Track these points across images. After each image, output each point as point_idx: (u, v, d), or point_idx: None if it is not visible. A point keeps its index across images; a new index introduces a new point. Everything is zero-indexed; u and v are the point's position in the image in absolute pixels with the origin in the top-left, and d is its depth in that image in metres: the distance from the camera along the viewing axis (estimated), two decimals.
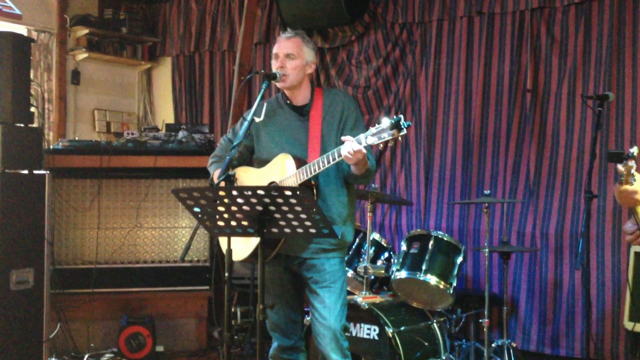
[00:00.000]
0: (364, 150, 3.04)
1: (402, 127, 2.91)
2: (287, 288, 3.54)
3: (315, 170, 3.20)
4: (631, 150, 2.42)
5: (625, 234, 2.92)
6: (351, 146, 3.03)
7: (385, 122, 2.95)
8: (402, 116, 2.92)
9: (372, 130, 3.00)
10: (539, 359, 4.96)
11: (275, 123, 3.51)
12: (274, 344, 3.60)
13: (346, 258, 4.73)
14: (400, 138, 2.95)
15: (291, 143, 3.43)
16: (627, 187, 2.47)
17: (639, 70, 4.68)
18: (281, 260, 3.44)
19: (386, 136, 2.95)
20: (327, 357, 3.39)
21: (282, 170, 3.34)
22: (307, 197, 2.75)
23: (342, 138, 3.09)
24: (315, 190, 3.31)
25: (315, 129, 3.42)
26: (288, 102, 3.54)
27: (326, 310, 3.38)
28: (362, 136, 3.03)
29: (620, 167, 2.44)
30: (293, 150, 3.36)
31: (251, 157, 3.64)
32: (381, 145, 3.02)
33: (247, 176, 3.51)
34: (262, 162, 3.52)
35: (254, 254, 3.38)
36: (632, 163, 2.42)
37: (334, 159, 3.13)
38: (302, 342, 3.63)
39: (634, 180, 2.45)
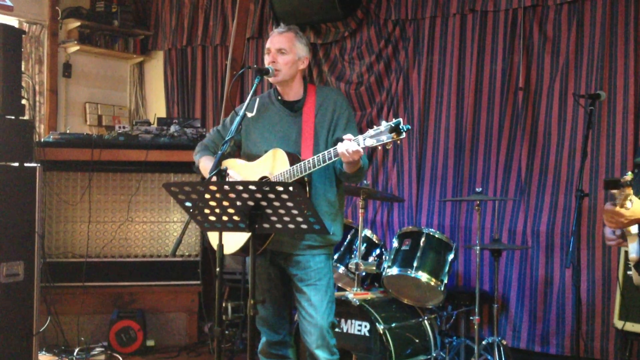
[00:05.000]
0: (362, 152, 3.05)
1: (402, 130, 2.91)
2: (275, 283, 3.54)
3: (310, 168, 3.19)
4: (626, 177, 2.45)
5: (607, 240, 2.94)
6: (350, 145, 3.03)
7: (384, 124, 2.95)
8: (401, 119, 2.92)
9: (371, 132, 3.00)
10: (528, 357, 4.98)
11: (265, 119, 3.51)
12: (263, 339, 3.62)
13: (337, 254, 4.75)
14: (398, 142, 2.96)
15: (281, 139, 3.43)
16: (620, 210, 2.52)
17: (630, 70, 4.69)
18: (267, 255, 3.45)
19: (384, 139, 2.95)
20: (314, 355, 3.40)
21: (274, 166, 3.34)
22: (299, 193, 2.74)
23: (344, 137, 3.08)
24: (308, 187, 3.31)
25: (308, 125, 3.41)
26: (279, 97, 3.54)
27: (312, 308, 3.38)
28: (360, 138, 3.03)
29: (616, 192, 2.47)
30: (283, 146, 3.35)
31: (238, 151, 3.63)
32: (379, 148, 3.01)
33: (238, 170, 3.50)
34: (250, 157, 3.52)
35: (243, 249, 3.38)
36: (629, 190, 2.47)
37: (329, 159, 3.13)
38: (290, 337, 3.65)
39: (631, 204, 2.49)
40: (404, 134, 2.91)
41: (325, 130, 3.41)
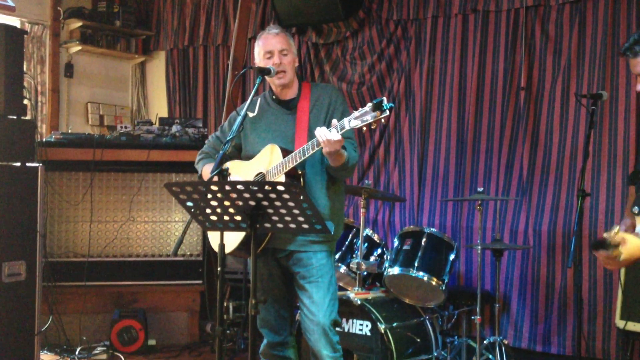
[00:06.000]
0: (336, 138, 3.05)
1: (384, 108, 2.91)
2: (277, 284, 3.54)
3: (299, 158, 3.21)
4: (612, 234, 2.47)
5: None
6: (325, 131, 3.06)
7: (368, 105, 2.96)
8: (384, 98, 2.93)
9: (355, 113, 3.02)
10: (530, 357, 4.97)
11: (263, 120, 3.52)
12: (264, 341, 3.61)
13: (339, 254, 4.75)
14: (383, 120, 2.96)
15: (278, 137, 3.43)
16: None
17: None
18: (268, 253, 3.44)
19: (369, 118, 2.96)
20: (317, 353, 3.39)
21: (269, 161, 3.35)
22: (301, 193, 2.75)
23: (332, 122, 3.10)
24: (302, 180, 3.31)
25: (302, 120, 3.43)
26: (274, 97, 3.54)
27: (314, 306, 3.38)
28: (345, 120, 3.05)
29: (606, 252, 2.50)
30: (280, 144, 3.36)
31: (239, 155, 3.63)
32: (364, 129, 3.02)
33: (237, 169, 3.51)
34: (249, 159, 3.52)
35: (240, 247, 3.38)
36: (616, 252, 2.49)
37: (314, 147, 3.15)
38: (291, 338, 3.63)
39: (623, 255, 2.51)
40: (387, 111, 2.92)
41: (321, 124, 3.40)
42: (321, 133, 3.07)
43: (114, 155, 5.56)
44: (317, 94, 3.51)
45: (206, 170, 3.58)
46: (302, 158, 3.20)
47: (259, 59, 3.50)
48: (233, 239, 3.39)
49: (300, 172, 3.30)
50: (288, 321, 3.60)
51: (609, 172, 4.73)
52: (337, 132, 3.06)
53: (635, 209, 2.69)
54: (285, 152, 3.30)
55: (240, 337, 5.46)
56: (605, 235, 2.49)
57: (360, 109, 3.01)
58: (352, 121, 3.02)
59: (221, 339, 3.06)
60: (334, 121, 3.11)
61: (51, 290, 5.12)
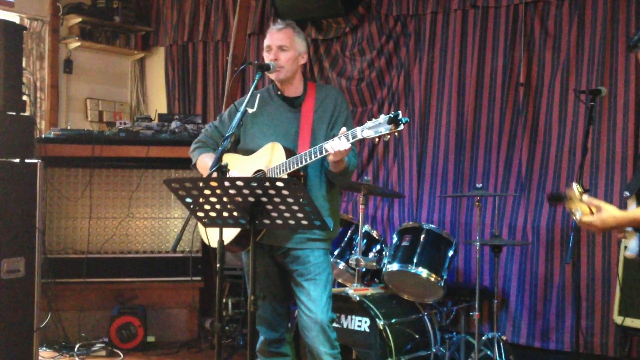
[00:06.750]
0: (346, 147, 3.04)
1: (400, 122, 2.90)
2: (274, 280, 3.53)
3: (304, 161, 3.19)
4: (569, 190, 2.50)
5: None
6: (336, 143, 3.05)
7: (383, 117, 2.95)
8: (400, 112, 2.92)
9: (369, 124, 3.00)
10: (528, 352, 4.98)
11: (264, 114, 3.49)
12: (261, 338, 3.60)
13: (338, 250, 4.76)
14: (397, 134, 2.95)
15: (280, 134, 3.42)
16: (584, 219, 2.57)
17: (631, 65, 4.68)
18: (265, 250, 3.44)
19: (383, 130, 2.95)
20: (315, 350, 3.39)
21: (270, 159, 3.33)
22: (300, 189, 2.74)
23: (341, 130, 3.09)
24: (303, 181, 3.31)
25: (306, 121, 3.41)
26: (279, 93, 3.53)
27: (312, 303, 3.37)
28: (357, 129, 3.03)
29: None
30: (282, 142, 3.35)
31: (236, 146, 3.61)
32: (376, 140, 3.02)
33: (234, 163, 3.48)
34: (248, 152, 3.50)
35: (234, 242, 3.37)
36: (570, 204, 2.53)
37: (321, 153, 3.14)
38: (287, 334, 3.63)
39: (579, 214, 2.55)
40: (402, 125, 2.91)
41: (324, 126, 3.41)
42: (333, 145, 3.06)
43: (113, 152, 5.56)
44: (322, 95, 3.50)
45: (202, 160, 3.53)
46: (308, 162, 3.19)
47: (265, 53, 3.51)
48: (227, 234, 3.38)
49: (302, 174, 3.30)
50: (284, 318, 3.60)
51: (607, 168, 4.74)
52: (348, 140, 3.05)
53: (626, 193, 2.71)
54: (288, 152, 3.29)
55: (239, 334, 5.47)
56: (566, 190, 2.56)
57: (374, 119, 2.98)
58: (365, 131, 3.00)
59: (220, 336, 3.06)
60: (343, 129, 3.09)
61: (50, 287, 5.13)
